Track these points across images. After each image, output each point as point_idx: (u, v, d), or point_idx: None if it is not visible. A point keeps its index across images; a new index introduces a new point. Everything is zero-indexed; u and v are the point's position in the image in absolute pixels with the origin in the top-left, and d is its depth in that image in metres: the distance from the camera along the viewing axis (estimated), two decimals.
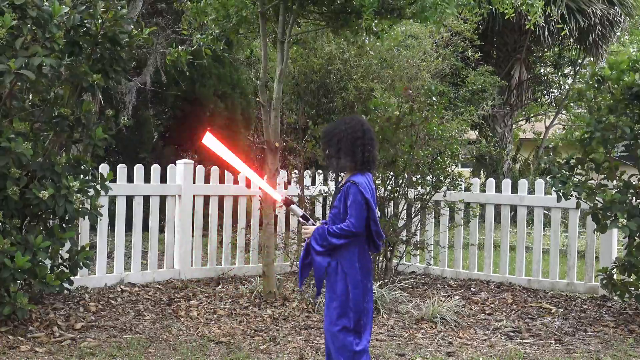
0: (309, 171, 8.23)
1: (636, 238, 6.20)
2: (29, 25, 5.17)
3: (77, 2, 5.50)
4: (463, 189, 7.95)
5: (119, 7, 5.56)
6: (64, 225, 5.68)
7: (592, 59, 15.09)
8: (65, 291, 6.14)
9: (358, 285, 3.99)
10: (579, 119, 18.80)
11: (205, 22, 6.96)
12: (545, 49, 17.08)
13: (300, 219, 4.18)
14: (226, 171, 8.02)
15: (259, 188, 4.30)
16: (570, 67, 18.28)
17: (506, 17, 6.97)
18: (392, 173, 7.47)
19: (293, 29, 6.67)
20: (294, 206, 4.24)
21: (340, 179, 4.25)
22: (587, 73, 6.60)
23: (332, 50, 9.48)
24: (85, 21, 5.48)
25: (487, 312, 6.61)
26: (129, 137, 11.35)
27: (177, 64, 6.75)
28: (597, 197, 6.35)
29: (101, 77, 5.55)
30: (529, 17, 6.84)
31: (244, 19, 6.78)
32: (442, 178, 7.58)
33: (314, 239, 4.01)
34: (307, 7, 6.55)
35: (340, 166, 4.05)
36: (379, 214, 7.08)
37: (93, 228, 7.00)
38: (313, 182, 8.21)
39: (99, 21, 5.51)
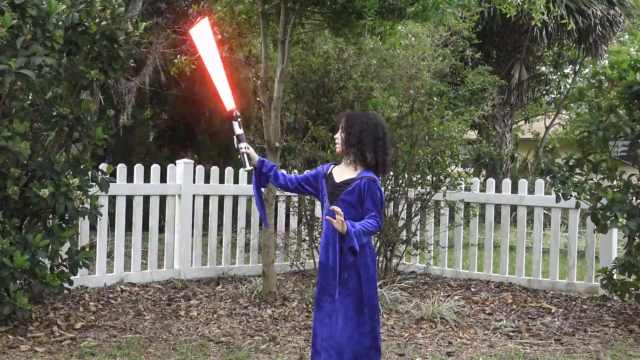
0: (309, 171, 8.22)
1: (636, 238, 6.20)
2: (28, 25, 5.16)
3: (76, 1, 5.48)
4: (463, 188, 7.95)
5: (116, 6, 5.55)
6: (63, 224, 5.67)
7: (592, 58, 15.10)
8: (65, 291, 6.14)
9: (371, 279, 3.94)
10: (580, 118, 18.76)
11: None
12: (545, 49, 17.08)
13: (235, 137, 4.18)
14: (226, 171, 8.02)
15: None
16: (570, 67, 18.28)
17: (507, 16, 6.96)
18: (392, 173, 7.46)
19: (294, 30, 6.67)
20: (235, 122, 4.22)
21: (329, 170, 4.14)
22: (589, 72, 6.57)
23: (328, 50, 9.46)
24: (84, 20, 5.47)
25: (487, 312, 6.61)
26: (127, 137, 11.35)
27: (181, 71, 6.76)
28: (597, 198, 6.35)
29: (99, 73, 5.54)
30: (532, 15, 6.81)
31: (247, 21, 6.79)
32: (442, 178, 7.58)
33: (352, 239, 3.80)
34: (308, 7, 6.55)
35: (366, 161, 3.96)
36: None
37: (93, 228, 7.00)
38: None
39: (97, 20, 5.50)
